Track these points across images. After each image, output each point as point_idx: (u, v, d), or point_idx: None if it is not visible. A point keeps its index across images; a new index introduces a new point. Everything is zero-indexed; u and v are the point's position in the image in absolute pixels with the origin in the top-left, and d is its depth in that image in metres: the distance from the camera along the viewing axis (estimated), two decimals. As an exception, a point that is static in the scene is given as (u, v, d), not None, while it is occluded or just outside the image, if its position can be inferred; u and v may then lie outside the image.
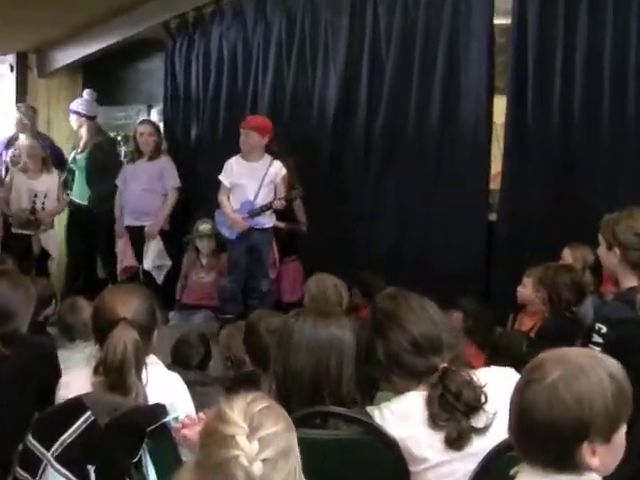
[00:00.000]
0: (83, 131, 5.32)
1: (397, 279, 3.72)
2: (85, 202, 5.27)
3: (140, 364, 1.75)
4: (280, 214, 4.60)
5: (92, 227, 5.21)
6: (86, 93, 5.43)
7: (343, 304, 3.06)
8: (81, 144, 5.32)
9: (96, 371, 1.76)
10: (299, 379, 1.61)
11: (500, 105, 4.16)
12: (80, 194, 5.31)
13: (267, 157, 4.48)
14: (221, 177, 4.50)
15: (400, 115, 4.49)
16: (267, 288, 4.56)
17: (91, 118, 5.36)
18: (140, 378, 1.76)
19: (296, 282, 4.74)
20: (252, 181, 4.42)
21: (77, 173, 5.29)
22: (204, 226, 4.90)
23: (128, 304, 1.79)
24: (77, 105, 5.34)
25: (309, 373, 1.61)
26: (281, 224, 4.69)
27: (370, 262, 4.47)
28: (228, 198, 4.50)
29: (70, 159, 5.38)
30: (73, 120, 5.35)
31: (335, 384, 1.62)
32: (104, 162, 5.22)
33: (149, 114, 6.07)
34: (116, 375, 1.70)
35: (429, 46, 4.32)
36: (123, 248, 5.15)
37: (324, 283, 3.16)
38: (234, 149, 4.60)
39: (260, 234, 4.49)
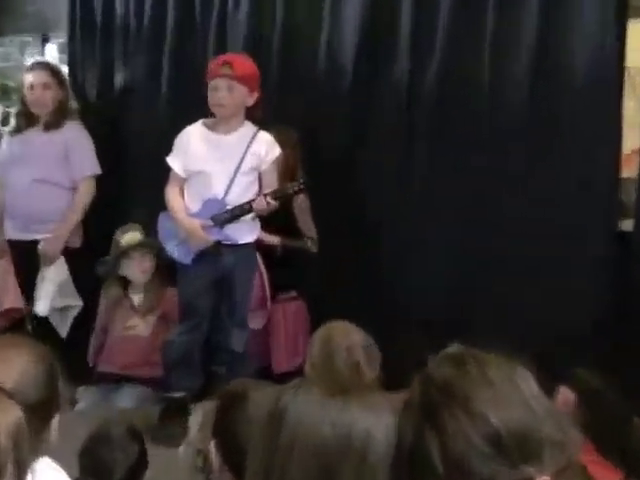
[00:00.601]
0: None
1: (462, 329, 3.88)
2: None
3: (23, 467, 1.72)
4: (271, 223, 4.65)
5: None
6: None
7: (362, 377, 3.09)
8: None
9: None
10: None
11: (638, 37, 4.24)
12: None
13: (248, 126, 4.53)
14: (170, 159, 4.54)
15: (465, 62, 4.60)
16: (243, 347, 4.61)
17: None
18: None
19: (297, 335, 4.86)
20: (222, 166, 4.45)
21: None
22: (129, 235, 4.93)
23: (8, 366, 1.81)
24: None
25: None
26: (273, 239, 4.78)
27: (417, 301, 4.60)
28: (182, 194, 4.55)
29: None
30: None
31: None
32: None
33: (44, 52, 6.00)
34: None
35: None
36: (1, 277, 5.22)
37: (332, 341, 3.22)
38: (187, 110, 4.73)
39: (234, 254, 4.51)
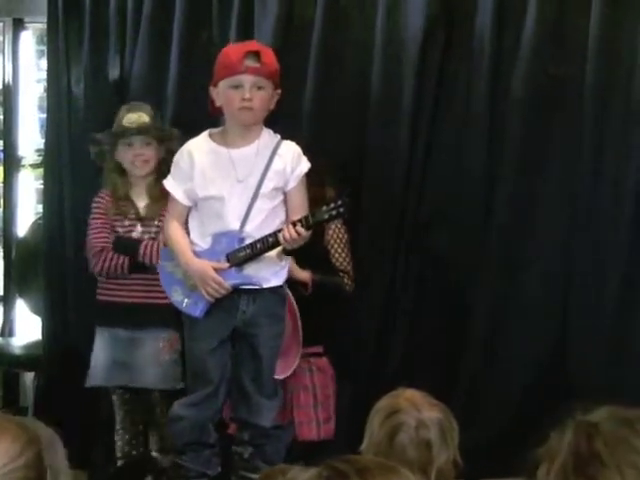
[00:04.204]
0: None
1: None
2: None
3: None
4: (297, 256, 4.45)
5: None
6: None
7: (433, 459, 2.89)
8: None
9: None
10: None
11: None
12: None
13: (267, 136, 4.27)
14: (169, 184, 4.30)
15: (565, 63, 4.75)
16: (273, 421, 4.31)
17: None
18: None
19: (327, 398, 4.71)
20: (237, 188, 4.19)
21: None
22: (134, 115, 4.77)
23: None
24: None
25: None
26: (303, 274, 4.55)
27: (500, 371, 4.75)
28: (185, 228, 4.30)
29: None
30: None
31: None
32: None
33: (17, 40, 5.84)
34: None
35: None
36: None
37: (398, 414, 2.97)
38: (201, 116, 4.58)
39: (257, 303, 4.24)
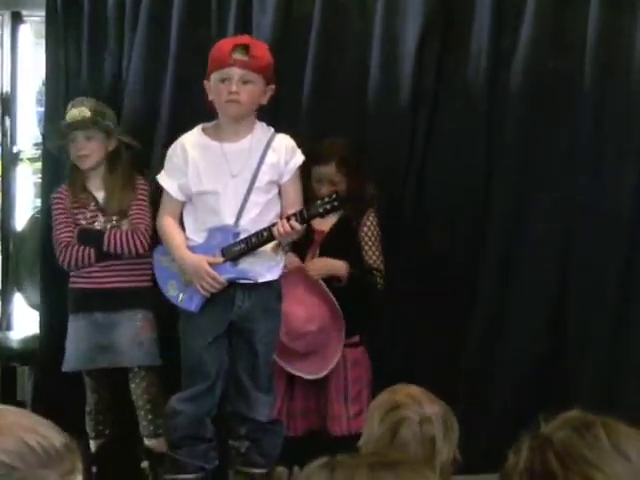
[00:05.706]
0: None
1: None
2: None
3: None
4: (329, 251, 4.58)
5: None
6: None
7: (437, 455, 2.85)
8: None
9: None
10: None
11: None
12: None
13: (261, 129, 4.28)
14: (162, 179, 4.31)
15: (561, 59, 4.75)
16: (269, 415, 4.33)
17: None
18: None
19: (361, 391, 4.67)
20: (231, 183, 4.18)
21: None
22: (76, 111, 4.79)
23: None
24: None
25: None
26: (340, 266, 4.57)
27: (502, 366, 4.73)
28: (180, 222, 4.30)
29: None
30: None
31: None
32: None
33: (16, 34, 5.75)
34: None
35: None
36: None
37: (399, 410, 2.95)
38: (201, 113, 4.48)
39: (252, 297, 4.25)
